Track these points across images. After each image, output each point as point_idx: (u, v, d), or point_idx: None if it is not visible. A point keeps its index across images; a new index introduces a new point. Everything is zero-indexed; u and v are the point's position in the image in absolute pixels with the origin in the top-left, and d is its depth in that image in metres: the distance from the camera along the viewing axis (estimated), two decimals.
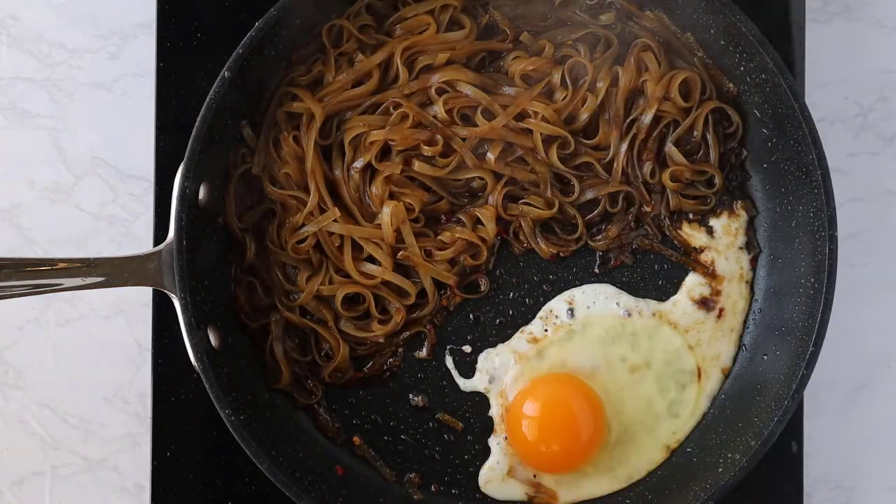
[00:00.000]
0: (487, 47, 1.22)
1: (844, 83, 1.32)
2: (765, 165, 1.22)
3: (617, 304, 1.25)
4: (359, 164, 1.20)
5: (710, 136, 1.22)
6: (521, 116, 1.21)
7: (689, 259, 1.24)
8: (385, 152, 1.22)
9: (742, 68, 1.18)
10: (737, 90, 1.21)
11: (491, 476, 1.24)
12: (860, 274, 1.31)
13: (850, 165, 1.32)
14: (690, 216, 1.24)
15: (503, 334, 1.25)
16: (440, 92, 1.21)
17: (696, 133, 1.22)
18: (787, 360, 1.16)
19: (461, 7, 1.21)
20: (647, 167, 1.22)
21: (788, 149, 1.17)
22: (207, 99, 1.12)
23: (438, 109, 1.20)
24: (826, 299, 1.13)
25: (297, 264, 1.22)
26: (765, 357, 1.21)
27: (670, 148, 1.22)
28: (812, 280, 1.15)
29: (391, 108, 1.21)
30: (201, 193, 1.15)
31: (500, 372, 1.24)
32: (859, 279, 1.31)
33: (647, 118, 1.21)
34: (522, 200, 1.23)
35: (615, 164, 1.22)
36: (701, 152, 1.23)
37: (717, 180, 1.22)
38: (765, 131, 1.20)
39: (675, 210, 1.24)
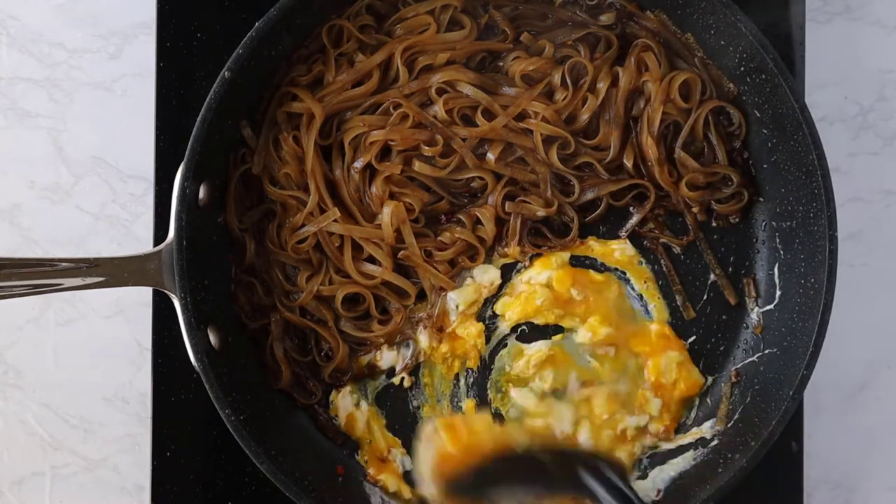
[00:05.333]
0: (487, 47, 1.22)
1: (844, 83, 1.32)
2: (765, 165, 1.22)
3: None
4: (359, 164, 1.20)
5: (713, 136, 1.22)
6: (522, 117, 1.21)
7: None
8: (385, 152, 1.22)
9: (742, 68, 1.18)
10: (737, 90, 1.21)
11: None
12: (860, 274, 1.31)
13: (850, 165, 1.32)
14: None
15: None
16: (440, 92, 1.20)
17: (696, 132, 1.22)
18: (787, 360, 1.16)
19: (461, 7, 1.21)
20: (658, 169, 1.22)
21: (788, 149, 1.17)
22: (207, 99, 1.12)
23: (438, 109, 1.20)
24: (826, 299, 1.13)
25: (297, 264, 1.22)
26: (765, 357, 1.21)
27: (681, 155, 1.22)
28: (812, 280, 1.15)
29: (391, 109, 1.21)
30: (201, 193, 1.15)
31: None
32: (859, 279, 1.31)
33: (655, 123, 1.20)
34: (520, 198, 1.23)
35: (627, 163, 1.22)
36: (706, 154, 1.23)
37: (734, 177, 1.22)
38: (765, 131, 1.20)
39: (718, 216, 1.24)
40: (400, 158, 1.21)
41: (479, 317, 1.24)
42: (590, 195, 1.23)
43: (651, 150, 1.21)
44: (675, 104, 1.21)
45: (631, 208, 1.24)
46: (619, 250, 1.24)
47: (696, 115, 1.21)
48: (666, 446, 1.23)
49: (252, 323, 1.22)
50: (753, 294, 1.23)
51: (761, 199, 1.23)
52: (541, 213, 1.22)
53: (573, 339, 1.23)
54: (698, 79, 1.21)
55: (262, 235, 1.22)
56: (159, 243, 1.14)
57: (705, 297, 1.24)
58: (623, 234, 1.25)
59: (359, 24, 1.21)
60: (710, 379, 1.24)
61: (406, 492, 1.22)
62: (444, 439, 1.16)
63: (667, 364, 1.22)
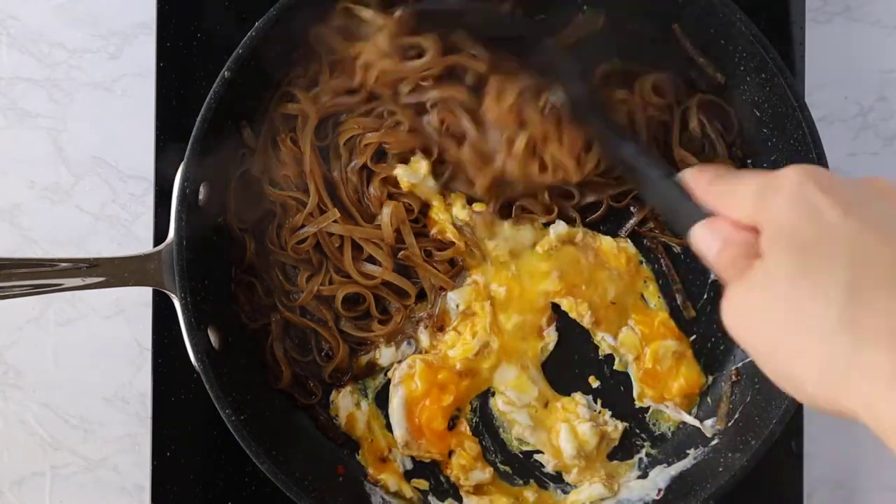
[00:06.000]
0: (459, 62, 1.17)
1: (844, 83, 1.32)
2: (765, 165, 1.22)
3: None
4: (354, 165, 1.20)
5: (709, 129, 1.22)
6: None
7: None
8: (383, 153, 1.22)
9: (742, 68, 1.18)
10: (724, 79, 1.21)
11: None
12: None
13: (850, 165, 1.32)
14: None
15: None
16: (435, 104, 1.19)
17: (692, 125, 1.22)
18: None
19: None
20: None
21: (788, 149, 1.17)
22: (207, 99, 1.12)
23: (432, 119, 1.19)
24: None
25: (297, 264, 1.22)
26: None
27: (680, 152, 1.22)
28: None
29: (385, 114, 1.21)
30: (201, 193, 1.15)
31: None
32: None
33: (642, 131, 1.20)
34: (519, 203, 1.23)
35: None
36: (707, 151, 1.23)
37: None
38: (765, 131, 1.20)
39: None
40: (396, 161, 1.21)
41: None
42: (591, 198, 1.23)
43: None
44: (655, 105, 1.21)
45: (631, 208, 1.24)
46: (612, 246, 1.24)
47: (681, 109, 1.22)
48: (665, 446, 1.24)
49: (252, 323, 1.22)
50: None
51: None
52: (541, 220, 1.22)
53: None
54: (665, 78, 1.21)
55: (262, 235, 1.22)
56: (159, 243, 1.14)
57: (706, 296, 1.25)
58: (623, 233, 1.25)
59: None
60: (710, 378, 1.24)
61: (407, 491, 1.22)
62: (417, 372, 1.19)
63: (664, 353, 1.22)
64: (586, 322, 1.22)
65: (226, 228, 1.21)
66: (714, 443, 1.21)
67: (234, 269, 1.22)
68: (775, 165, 1.20)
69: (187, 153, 1.12)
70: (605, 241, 1.23)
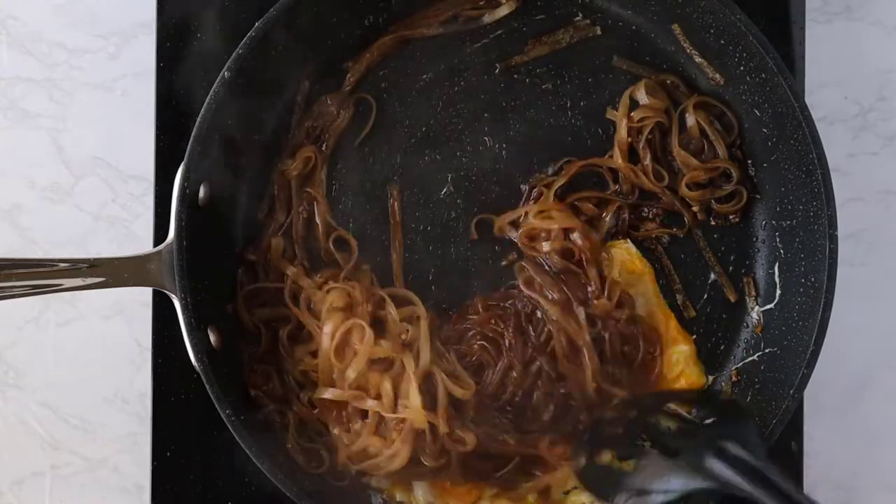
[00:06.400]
0: None
1: (844, 83, 1.32)
2: (765, 165, 1.22)
3: None
4: None
5: (708, 130, 1.22)
6: None
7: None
8: None
9: (742, 68, 1.18)
10: (724, 79, 1.21)
11: None
12: (860, 274, 1.31)
13: (850, 165, 1.32)
14: None
15: None
16: None
17: (690, 125, 1.22)
18: (788, 360, 1.16)
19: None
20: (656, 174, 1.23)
21: (788, 149, 1.17)
22: (207, 99, 1.12)
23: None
24: (826, 299, 1.13)
25: (305, 384, 1.19)
26: (765, 356, 1.21)
27: (680, 153, 1.22)
28: (812, 280, 1.15)
29: None
30: (201, 193, 1.15)
31: None
32: (859, 279, 1.31)
33: (625, 141, 1.21)
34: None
35: (624, 184, 1.23)
36: (707, 152, 1.23)
37: (734, 172, 1.22)
38: (765, 131, 1.20)
39: (717, 216, 1.24)
40: None
41: None
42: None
43: (628, 171, 1.22)
44: (650, 108, 1.21)
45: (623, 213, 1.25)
46: (621, 251, 1.24)
47: (680, 110, 1.22)
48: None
49: (267, 408, 1.18)
50: (753, 293, 1.23)
51: (761, 199, 1.23)
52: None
53: None
54: (654, 83, 1.21)
55: (276, 333, 1.19)
56: (159, 243, 1.13)
57: (705, 296, 1.25)
58: (620, 236, 1.24)
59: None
60: (710, 378, 1.24)
61: (411, 497, 1.22)
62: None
63: (677, 358, 1.22)
64: None
65: (227, 230, 1.20)
66: None
67: (246, 356, 1.19)
68: (775, 165, 1.20)
69: (187, 153, 1.11)
70: (615, 251, 1.23)
